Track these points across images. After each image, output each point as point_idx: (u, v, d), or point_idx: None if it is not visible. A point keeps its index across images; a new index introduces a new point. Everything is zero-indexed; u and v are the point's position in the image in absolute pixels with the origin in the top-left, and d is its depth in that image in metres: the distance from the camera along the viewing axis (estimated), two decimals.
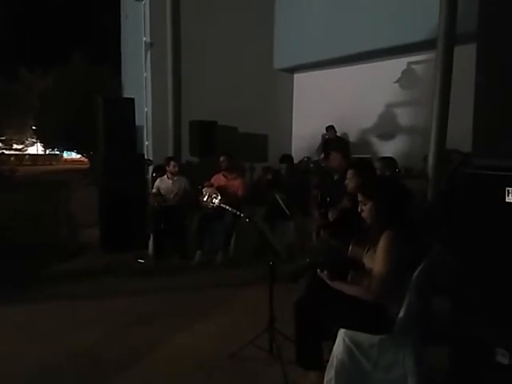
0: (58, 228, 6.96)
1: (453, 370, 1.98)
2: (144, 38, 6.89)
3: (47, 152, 32.98)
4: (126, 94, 8.46)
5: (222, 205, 4.81)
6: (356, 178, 3.16)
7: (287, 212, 4.57)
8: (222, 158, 5.40)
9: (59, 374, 2.66)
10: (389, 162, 4.24)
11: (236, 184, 5.34)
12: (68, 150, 25.61)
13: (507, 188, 1.68)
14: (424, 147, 5.19)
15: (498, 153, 1.71)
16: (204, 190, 5.14)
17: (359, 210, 2.24)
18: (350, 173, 3.25)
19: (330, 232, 3.62)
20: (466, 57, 4.00)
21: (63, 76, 19.37)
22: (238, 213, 4.36)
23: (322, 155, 7.34)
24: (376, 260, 2.07)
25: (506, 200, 1.68)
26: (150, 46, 6.82)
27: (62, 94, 18.01)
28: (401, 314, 2.05)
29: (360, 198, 2.23)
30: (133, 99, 5.77)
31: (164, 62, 6.11)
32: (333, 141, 7.24)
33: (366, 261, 2.20)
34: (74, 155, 30.53)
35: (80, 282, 4.37)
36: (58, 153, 32.27)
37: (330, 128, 7.35)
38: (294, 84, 8.90)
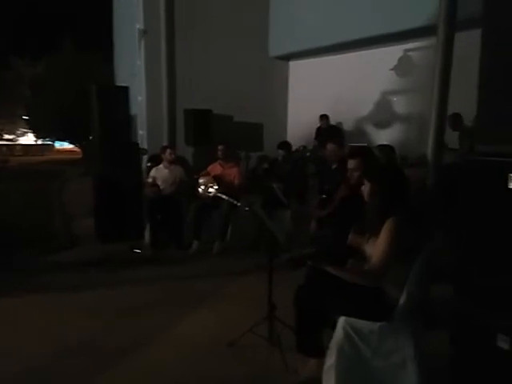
0: (51, 219, 6.89)
1: (453, 355, 2.00)
2: (137, 25, 6.76)
3: (39, 142, 32.59)
4: (119, 83, 8.32)
5: (218, 194, 4.80)
6: (359, 164, 3.15)
7: (284, 201, 4.57)
8: (220, 147, 5.37)
9: (58, 365, 2.65)
10: (387, 149, 4.25)
11: (232, 173, 5.32)
12: (60, 139, 25.33)
13: (510, 174, 1.68)
14: (420, 135, 5.21)
15: (500, 139, 1.70)
16: (200, 179, 5.11)
17: (362, 190, 2.23)
18: (352, 162, 3.22)
19: (328, 221, 3.64)
20: (462, 43, 4.00)
21: (54, 64, 19.07)
22: (235, 202, 4.36)
23: (316, 143, 7.34)
24: (378, 243, 2.07)
25: (509, 186, 1.68)
26: (144, 33, 6.69)
27: (54, 83, 17.75)
28: (401, 301, 2.06)
29: (364, 179, 2.23)
30: (127, 87, 5.68)
31: (158, 50, 6.00)
32: (327, 130, 7.22)
33: (368, 248, 2.20)
34: (67, 145, 30.20)
35: (75, 272, 4.35)
36: (50, 143, 31.91)
37: (324, 117, 7.33)
38: (290, 72, 8.82)
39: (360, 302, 2.12)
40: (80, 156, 21.11)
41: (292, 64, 8.80)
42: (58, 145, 34.28)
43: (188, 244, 5.02)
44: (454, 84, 3.51)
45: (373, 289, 2.13)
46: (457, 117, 5.22)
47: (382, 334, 2.07)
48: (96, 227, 5.49)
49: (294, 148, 5.84)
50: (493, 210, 1.78)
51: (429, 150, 3.40)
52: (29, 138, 34.88)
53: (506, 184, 1.70)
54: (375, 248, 2.07)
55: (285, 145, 5.25)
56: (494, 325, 1.77)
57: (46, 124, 19.27)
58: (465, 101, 2.78)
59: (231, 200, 4.39)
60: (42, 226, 6.19)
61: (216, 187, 4.93)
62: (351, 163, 3.22)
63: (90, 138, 6.01)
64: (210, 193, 4.91)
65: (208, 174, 5.23)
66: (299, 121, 8.22)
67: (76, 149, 24.27)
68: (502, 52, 1.72)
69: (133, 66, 6.82)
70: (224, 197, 4.66)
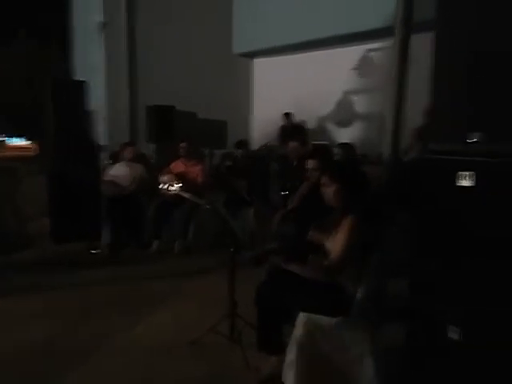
0: (4, 219, 6.55)
1: (408, 348, 2.06)
2: (97, 18, 6.54)
3: None
4: (78, 77, 8.02)
5: (180, 192, 4.71)
6: (318, 164, 3.20)
7: (247, 198, 4.57)
8: (183, 144, 5.28)
9: (11, 368, 2.54)
10: (348, 147, 4.34)
11: (195, 171, 5.25)
12: (12, 136, 24.14)
13: (459, 172, 1.75)
14: (380, 134, 5.34)
15: (450, 137, 1.77)
16: (162, 177, 5.01)
17: (322, 190, 2.25)
18: (311, 162, 3.27)
19: (290, 218, 3.67)
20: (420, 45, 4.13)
21: (7, 56, 18.15)
22: (198, 200, 4.29)
23: (279, 141, 7.40)
24: (337, 238, 2.10)
25: (458, 184, 1.75)
26: (103, 26, 6.48)
27: (6, 76, 16.92)
28: (358, 296, 2.11)
29: (324, 180, 2.23)
30: (84, 81, 5.47)
31: (118, 44, 5.84)
32: (290, 128, 7.28)
33: (328, 244, 2.23)
34: (20, 141, 28.80)
35: (30, 273, 4.16)
36: (2, 139, 30.33)
37: (287, 115, 7.39)
38: (254, 69, 8.83)
39: (319, 297, 2.15)
40: (35, 153, 20.21)
41: (256, 62, 8.83)
42: (11, 141, 32.64)
43: (148, 243, 4.91)
44: None
45: (331, 285, 2.16)
46: None
47: (341, 329, 2.10)
48: (51, 227, 5.26)
49: (258, 146, 5.85)
50: (444, 207, 1.85)
51: (385, 148, 3.50)
52: None
53: (455, 182, 1.76)
54: (334, 244, 2.11)
55: (242, 144, 5.25)
56: (445, 317, 1.84)
57: None
58: None
59: (194, 198, 4.33)
60: None
61: (178, 185, 4.85)
62: (310, 163, 3.29)
63: (46, 134, 5.75)
64: (172, 191, 4.82)
65: (170, 172, 5.13)
66: (263, 118, 8.25)
67: (30, 145, 23.22)
68: (454, 54, 1.79)
69: (92, 60, 6.60)
70: (186, 195, 4.59)
